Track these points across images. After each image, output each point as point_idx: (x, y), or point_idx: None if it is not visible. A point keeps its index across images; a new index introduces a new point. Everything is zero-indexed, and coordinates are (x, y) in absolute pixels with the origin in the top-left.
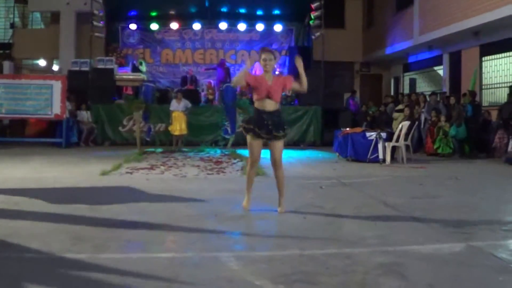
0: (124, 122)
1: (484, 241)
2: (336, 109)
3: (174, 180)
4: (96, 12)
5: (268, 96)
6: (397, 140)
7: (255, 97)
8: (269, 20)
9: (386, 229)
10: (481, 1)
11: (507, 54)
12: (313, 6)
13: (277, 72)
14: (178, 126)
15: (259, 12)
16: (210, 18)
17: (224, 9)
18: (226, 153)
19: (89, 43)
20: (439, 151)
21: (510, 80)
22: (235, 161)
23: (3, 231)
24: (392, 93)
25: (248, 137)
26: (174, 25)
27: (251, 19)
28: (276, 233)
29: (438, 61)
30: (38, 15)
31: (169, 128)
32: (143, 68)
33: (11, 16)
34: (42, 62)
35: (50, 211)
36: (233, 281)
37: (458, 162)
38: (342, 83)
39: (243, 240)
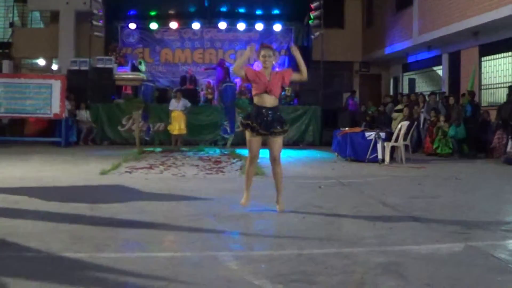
0: (123, 122)
1: (483, 241)
2: (335, 109)
3: (173, 180)
4: (95, 11)
5: (267, 91)
6: (396, 140)
7: (254, 92)
8: (268, 19)
9: (385, 229)
10: (480, 1)
11: (506, 54)
12: (312, 6)
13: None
14: (177, 125)
15: (259, 12)
16: (209, 17)
17: (223, 9)
18: (225, 152)
19: (88, 43)
20: (438, 151)
21: (509, 80)
22: (234, 160)
23: (2, 230)
24: (391, 93)
25: (247, 134)
26: (174, 25)
27: (250, 19)
28: (275, 232)
29: (437, 61)
30: (37, 14)
31: (168, 128)
32: (143, 67)
33: (11, 15)
34: (41, 61)
35: (50, 210)
36: (232, 280)
37: (457, 162)
38: (341, 83)
39: (242, 239)
